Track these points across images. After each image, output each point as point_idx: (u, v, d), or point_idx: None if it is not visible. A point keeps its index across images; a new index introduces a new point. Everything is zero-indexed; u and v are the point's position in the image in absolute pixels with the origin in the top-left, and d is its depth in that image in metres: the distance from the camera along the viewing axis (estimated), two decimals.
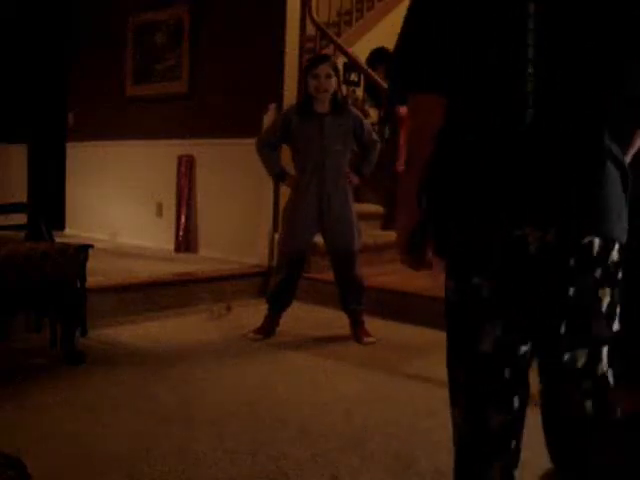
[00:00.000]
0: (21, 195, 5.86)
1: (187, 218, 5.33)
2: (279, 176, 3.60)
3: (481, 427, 1.23)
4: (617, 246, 1.19)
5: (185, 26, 5.31)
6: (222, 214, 5.12)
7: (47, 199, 5.86)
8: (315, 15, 5.36)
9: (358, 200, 5.72)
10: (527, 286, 1.18)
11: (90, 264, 3.08)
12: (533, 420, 2.44)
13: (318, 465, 2.03)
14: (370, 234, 5.11)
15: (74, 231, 6.11)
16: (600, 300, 1.20)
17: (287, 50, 4.74)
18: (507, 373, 1.21)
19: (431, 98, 1.21)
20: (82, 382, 2.72)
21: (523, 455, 2.15)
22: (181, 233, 5.33)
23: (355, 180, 3.57)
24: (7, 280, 2.69)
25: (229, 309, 4.04)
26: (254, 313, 3.78)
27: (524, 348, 1.21)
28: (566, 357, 1.19)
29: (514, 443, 1.27)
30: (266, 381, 2.82)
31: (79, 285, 3.03)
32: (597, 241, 1.16)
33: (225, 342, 3.42)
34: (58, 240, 3.76)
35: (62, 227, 6.23)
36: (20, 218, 4.15)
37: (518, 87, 1.13)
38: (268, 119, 4.75)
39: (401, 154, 5.41)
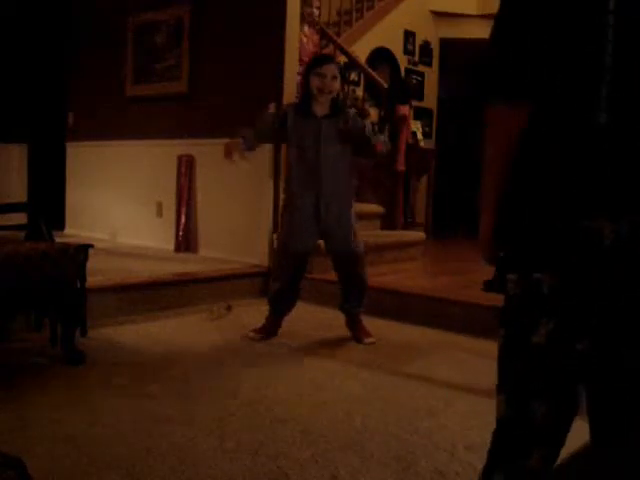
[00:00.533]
0: (21, 195, 5.86)
1: (187, 218, 5.33)
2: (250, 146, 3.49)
3: (525, 417, 1.25)
4: None
5: (185, 26, 5.31)
6: (222, 214, 5.12)
7: (47, 199, 5.85)
8: (315, 15, 5.37)
9: (358, 200, 5.73)
10: (597, 282, 1.19)
11: (90, 264, 3.08)
12: None
13: (318, 465, 2.03)
14: (370, 234, 5.11)
15: (74, 231, 6.11)
16: None
17: (287, 50, 4.75)
18: (559, 367, 1.23)
19: (511, 108, 1.26)
20: (82, 382, 2.72)
21: None
22: (181, 233, 5.33)
23: (383, 147, 3.40)
24: (7, 280, 2.69)
25: (229, 309, 4.04)
26: (254, 313, 3.78)
27: (580, 345, 1.21)
28: None
29: (558, 435, 1.29)
30: (266, 381, 2.82)
31: (79, 285, 3.03)
32: None
33: (225, 342, 3.42)
34: (58, 240, 3.76)
35: (62, 227, 6.23)
36: (20, 218, 4.15)
37: (594, 92, 1.19)
38: None
39: (401, 153, 5.42)
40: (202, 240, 5.29)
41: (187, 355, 3.16)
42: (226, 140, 3.60)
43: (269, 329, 3.48)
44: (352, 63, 5.83)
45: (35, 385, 2.64)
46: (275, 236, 4.73)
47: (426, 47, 7.31)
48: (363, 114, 6.16)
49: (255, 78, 4.87)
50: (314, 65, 3.39)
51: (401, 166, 5.43)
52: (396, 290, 4.11)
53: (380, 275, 4.37)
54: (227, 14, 5.10)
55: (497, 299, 1.32)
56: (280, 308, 3.50)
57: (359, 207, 5.58)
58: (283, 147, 3.74)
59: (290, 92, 4.82)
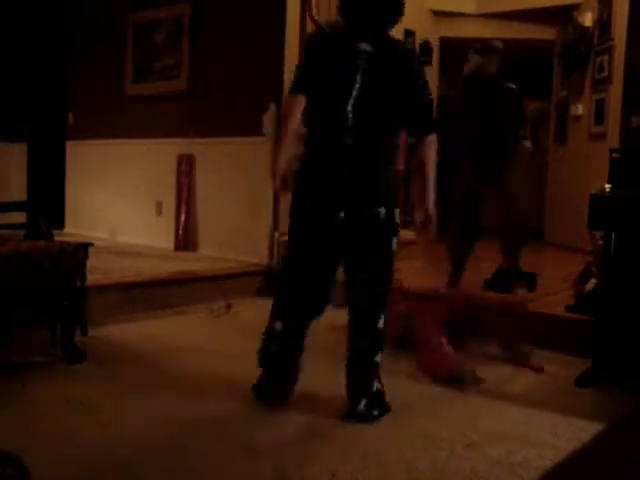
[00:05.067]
0: (21, 194, 5.86)
1: (187, 217, 5.33)
2: None
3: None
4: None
5: (185, 24, 5.31)
6: (222, 213, 5.12)
7: (47, 198, 5.85)
8: (315, 14, 5.36)
9: None
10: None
11: (90, 263, 3.08)
12: (530, 419, 2.42)
13: (318, 465, 2.03)
14: None
15: (74, 230, 6.11)
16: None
17: (287, 49, 4.74)
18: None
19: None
20: (82, 381, 2.72)
21: (525, 453, 2.15)
22: (181, 232, 5.33)
23: None
24: (7, 279, 2.69)
25: (229, 307, 4.04)
26: (254, 311, 3.78)
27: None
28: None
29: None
30: None
31: (79, 284, 3.03)
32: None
33: (225, 340, 3.42)
34: (58, 239, 3.76)
35: (62, 226, 6.23)
36: (20, 217, 4.15)
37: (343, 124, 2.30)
38: (268, 118, 4.75)
39: (400, 152, 5.41)
40: (202, 239, 5.29)
41: (187, 354, 3.16)
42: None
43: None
44: None
45: (35, 384, 2.64)
46: (278, 235, 4.73)
47: (426, 46, 7.29)
48: None
49: (255, 77, 4.87)
50: None
51: (401, 165, 5.42)
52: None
53: None
54: (227, 12, 5.09)
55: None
56: None
57: None
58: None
59: None
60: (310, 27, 5.30)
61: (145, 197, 5.65)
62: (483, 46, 4.18)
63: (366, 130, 2.29)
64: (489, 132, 4.07)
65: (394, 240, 2.38)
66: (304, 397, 2.61)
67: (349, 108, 2.26)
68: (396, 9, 2.32)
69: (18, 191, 5.89)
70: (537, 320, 3.53)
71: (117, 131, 5.82)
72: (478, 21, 7.29)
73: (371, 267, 2.38)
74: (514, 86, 4.18)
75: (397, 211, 2.37)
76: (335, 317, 2.75)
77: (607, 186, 2.89)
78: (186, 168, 5.32)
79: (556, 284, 4.15)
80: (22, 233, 3.76)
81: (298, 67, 2.46)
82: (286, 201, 4.83)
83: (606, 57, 6.09)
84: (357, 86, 2.26)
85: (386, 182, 2.35)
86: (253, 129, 4.80)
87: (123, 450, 2.09)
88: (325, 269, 2.41)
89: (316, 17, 5.36)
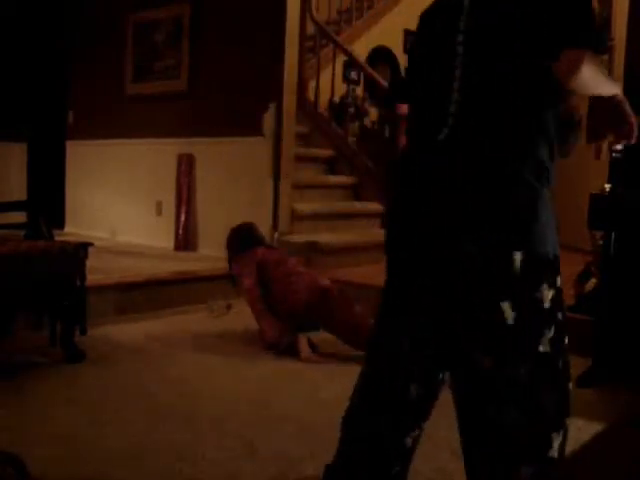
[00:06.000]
0: (21, 193, 5.86)
1: (187, 216, 5.33)
2: None
3: None
4: None
5: (185, 24, 5.31)
6: (222, 212, 5.12)
7: (47, 197, 5.86)
8: (315, 14, 5.37)
9: (358, 198, 5.73)
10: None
11: (90, 262, 3.08)
12: None
13: (317, 463, 2.03)
14: (370, 233, 5.11)
15: (73, 229, 6.11)
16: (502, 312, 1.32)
17: (287, 49, 4.74)
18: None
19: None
20: (81, 381, 2.72)
21: None
22: (181, 231, 5.33)
23: None
24: (7, 278, 2.69)
25: (229, 307, 4.04)
26: None
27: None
28: None
29: None
30: (266, 380, 2.82)
31: (79, 283, 3.03)
32: None
33: (225, 341, 3.42)
34: (58, 238, 3.76)
35: (62, 225, 6.23)
36: (20, 216, 4.15)
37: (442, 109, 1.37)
38: (268, 118, 4.75)
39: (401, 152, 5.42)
40: (202, 238, 5.29)
41: (187, 354, 3.16)
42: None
43: None
44: (352, 62, 5.83)
45: (35, 384, 2.64)
46: (278, 235, 4.73)
47: None
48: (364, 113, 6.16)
49: (255, 77, 4.87)
50: None
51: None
52: None
53: (381, 274, 4.36)
54: (227, 12, 5.09)
55: None
56: None
57: (359, 205, 5.60)
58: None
59: (290, 91, 4.81)
60: (310, 26, 5.32)
61: (145, 197, 5.65)
62: None
63: None
64: None
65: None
66: (304, 397, 2.61)
67: None
68: None
69: (18, 191, 5.89)
70: None
71: (117, 131, 5.81)
72: None
73: None
74: None
75: None
76: None
77: (607, 186, 2.89)
78: (186, 168, 5.32)
79: None
80: (22, 233, 3.75)
81: None
82: (287, 201, 4.85)
83: (606, 57, 6.09)
84: None
85: None
86: (253, 129, 4.80)
87: (122, 449, 2.08)
88: None
89: (315, 17, 5.37)
